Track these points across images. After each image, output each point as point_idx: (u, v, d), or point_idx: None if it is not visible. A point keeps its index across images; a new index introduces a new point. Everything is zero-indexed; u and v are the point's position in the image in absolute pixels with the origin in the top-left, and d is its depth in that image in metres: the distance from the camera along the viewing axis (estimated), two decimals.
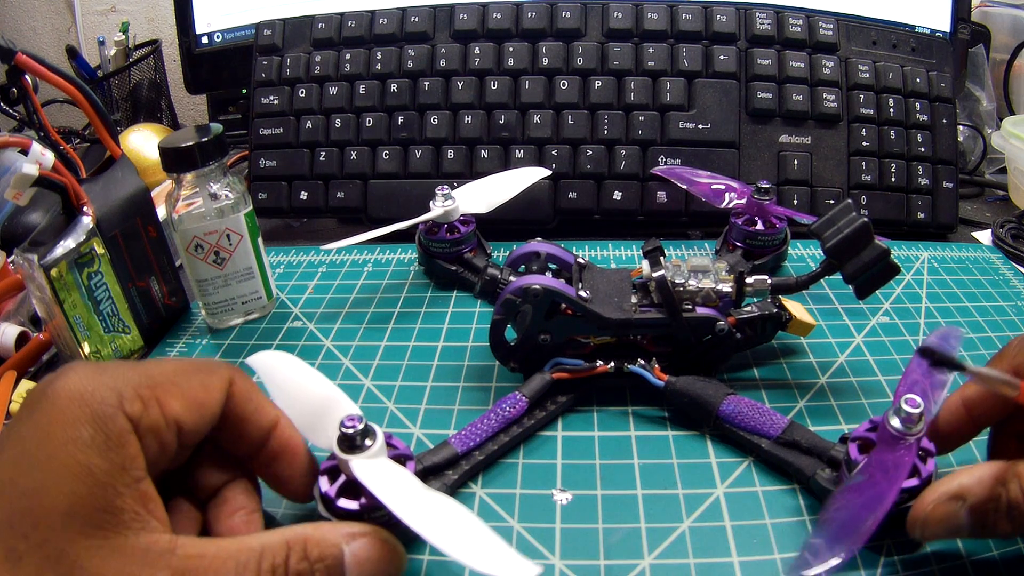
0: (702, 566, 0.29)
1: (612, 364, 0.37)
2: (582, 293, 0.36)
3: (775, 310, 0.39)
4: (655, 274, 0.36)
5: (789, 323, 0.39)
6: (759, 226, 0.47)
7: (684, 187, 0.51)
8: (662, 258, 0.37)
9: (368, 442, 0.28)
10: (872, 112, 0.56)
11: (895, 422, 0.28)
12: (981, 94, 0.71)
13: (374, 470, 0.27)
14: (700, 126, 0.56)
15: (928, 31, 0.61)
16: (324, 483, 0.28)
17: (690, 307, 0.36)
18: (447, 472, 0.33)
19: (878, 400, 0.38)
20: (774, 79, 0.56)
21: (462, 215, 0.48)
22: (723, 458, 0.34)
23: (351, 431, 0.27)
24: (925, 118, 0.56)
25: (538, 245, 0.41)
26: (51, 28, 1.07)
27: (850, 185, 0.55)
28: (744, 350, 0.40)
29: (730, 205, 0.49)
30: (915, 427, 0.28)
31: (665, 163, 0.55)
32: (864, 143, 0.56)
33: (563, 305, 0.36)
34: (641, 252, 0.37)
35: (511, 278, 0.40)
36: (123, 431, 0.22)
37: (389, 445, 0.30)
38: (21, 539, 0.21)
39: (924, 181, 0.56)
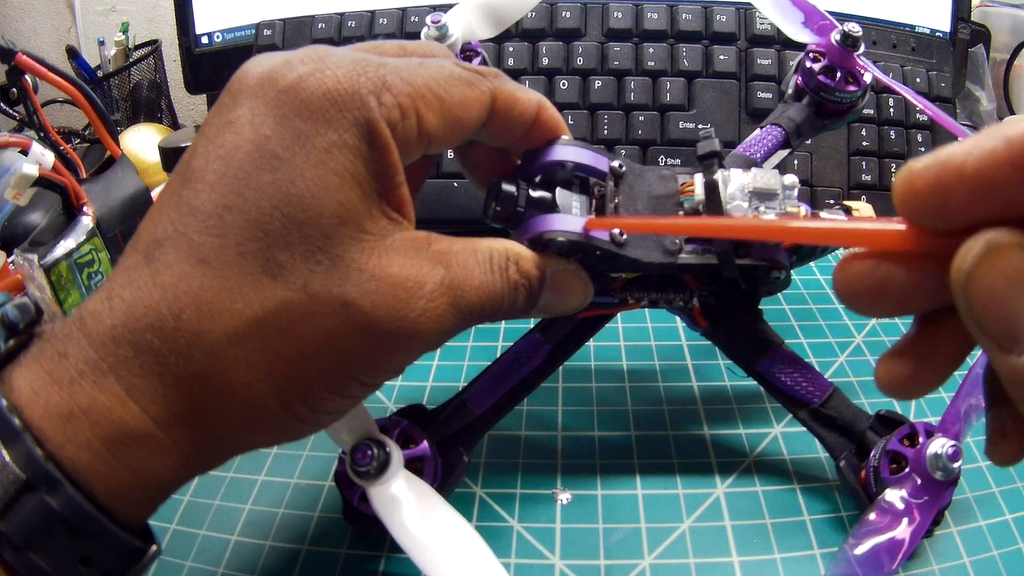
0: (702, 566, 0.29)
1: (645, 301, 0.31)
2: (616, 237, 0.27)
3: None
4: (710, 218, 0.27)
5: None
6: (838, 78, 0.36)
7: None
8: (721, 171, 0.27)
9: (384, 472, 0.26)
10: (872, 112, 0.56)
11: (938, 475, 0.28)
12: (981, 94, 0.71)
13: (392, 496, 0.26)
14: (700, 126, 0.56)
15: (928, 31, 0.61)
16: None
17: (745, 250, 0.27)
18: (465, 436, 0.31)
19: (878, 400, 0.38)
20: (774, 79, 0.56)
21: (468, 46, 0.37)
22: (723, 457, 0.34)
23: (364, 469, 0.26)
24: (925, 118, 0.56)
25: (563, 150, 0.28)
26: (51, 28, 1.06)
27: (850, 185, 0.55)
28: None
29: (805, 39, 0.37)
30: (953, 474, 0.28)
31: (665, 163, 0.55)
32: (864, 143, 0.55)
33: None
34: (696, 157, 0.28)
35: (532, 193, 0.28)
36: (387, 139, 0.21)
37: (404, 447, 0.29)
38: (283, 249, 0.20)
39: None
